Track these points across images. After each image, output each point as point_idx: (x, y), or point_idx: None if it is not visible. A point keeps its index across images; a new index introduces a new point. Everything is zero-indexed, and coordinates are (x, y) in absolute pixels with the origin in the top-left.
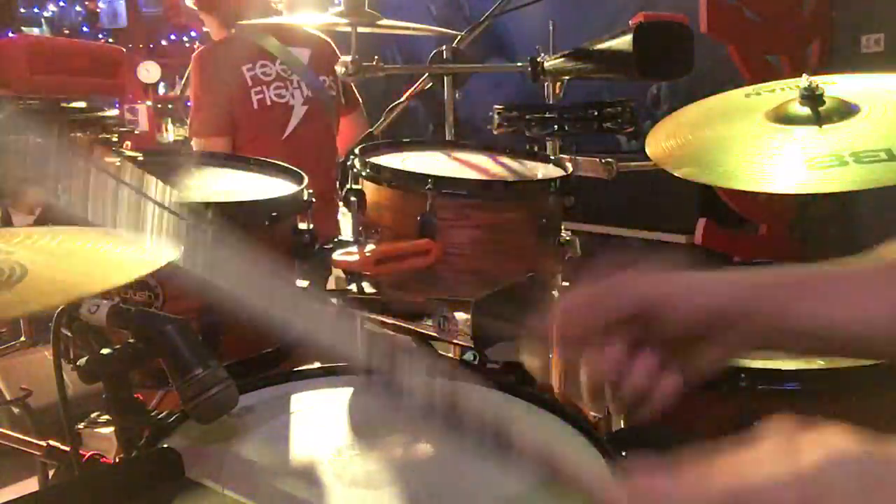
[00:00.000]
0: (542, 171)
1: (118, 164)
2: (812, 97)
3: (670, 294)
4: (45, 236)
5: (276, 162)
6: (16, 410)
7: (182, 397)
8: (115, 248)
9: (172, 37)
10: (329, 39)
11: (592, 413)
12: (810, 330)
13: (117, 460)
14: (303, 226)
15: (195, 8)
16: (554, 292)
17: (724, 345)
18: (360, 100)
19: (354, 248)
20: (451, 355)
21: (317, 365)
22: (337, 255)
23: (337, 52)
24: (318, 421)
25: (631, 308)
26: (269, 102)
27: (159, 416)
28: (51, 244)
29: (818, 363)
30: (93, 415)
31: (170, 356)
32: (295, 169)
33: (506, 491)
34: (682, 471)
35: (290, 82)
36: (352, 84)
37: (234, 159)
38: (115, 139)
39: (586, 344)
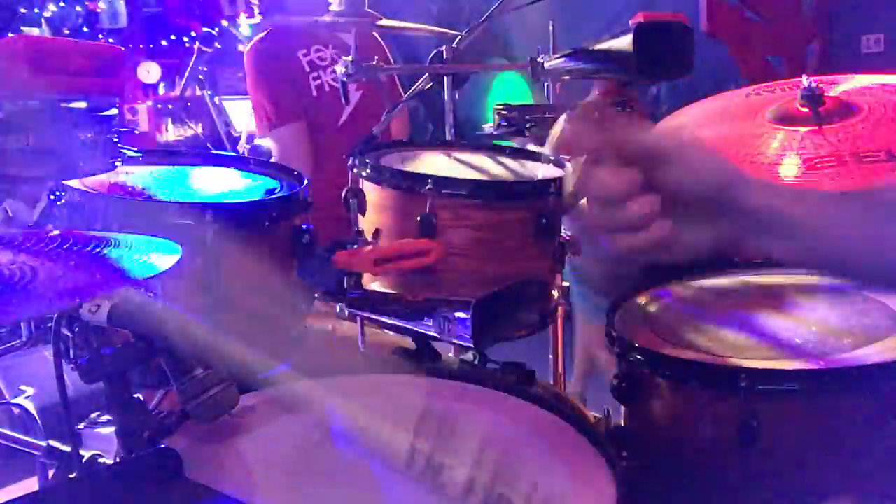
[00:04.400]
0: (542, 171)
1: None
2: (812, 97)
3: (688, 149)
4: (47, 239)
5: (277, 162)
6: (16, 410)
7: (182, 397)
8: (119, 252)
9: (172, 37)
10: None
11: (593, 414)
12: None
13: (117, 460)
14: (303, 226)
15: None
16: (554, 293)
17: (722, 217)
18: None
19: (354, 248)
20: (451, 355)
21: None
22: (337, 256)
23: (381, 42)
24: (318, 420)
25: (649, 149)
26: (327, 88)
27: (159, 416)
28: (52, 248)
29: (819, 363)
30: (93, 415)
31: (170, 356)
32: (295, 170)
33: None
34: None
35: None
36: (398, 86)
37: (235, 159)
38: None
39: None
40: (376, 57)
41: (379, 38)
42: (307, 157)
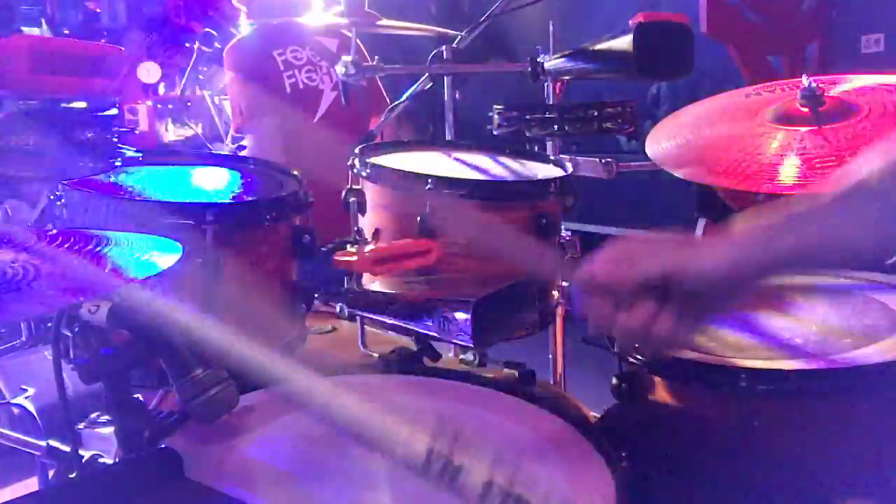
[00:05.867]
0: (542, 171)
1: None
2: (812, 97)
3: (689, 262)
4: (48, 239)
5: (276, 162)
6: (16, 410)
7: (182, 397)
8: (120, 251)
9: (172, 37)
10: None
11: (593, 414)
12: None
13: (117, 460)
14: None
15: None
16: (554, 293)
17: (742, 289)
18: (389, 103)
19: (354, 248)
20: (451, 355)
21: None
22: (337, 256)
23: (363, 48)
24: (318, 420)
25: (654, 276)
26: (301, 86)
27: (159, 416)
28: (53, 247)
29: (819, 363)
30: (93, 415)
31: (170, 356)
32: (294, 171)
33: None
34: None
35: (319, 67)
36: (381, 88)
37: (235, 160)
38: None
39: (619, 298)
40: (376, 58)
41: (358, 42)
42: (279, 151)
